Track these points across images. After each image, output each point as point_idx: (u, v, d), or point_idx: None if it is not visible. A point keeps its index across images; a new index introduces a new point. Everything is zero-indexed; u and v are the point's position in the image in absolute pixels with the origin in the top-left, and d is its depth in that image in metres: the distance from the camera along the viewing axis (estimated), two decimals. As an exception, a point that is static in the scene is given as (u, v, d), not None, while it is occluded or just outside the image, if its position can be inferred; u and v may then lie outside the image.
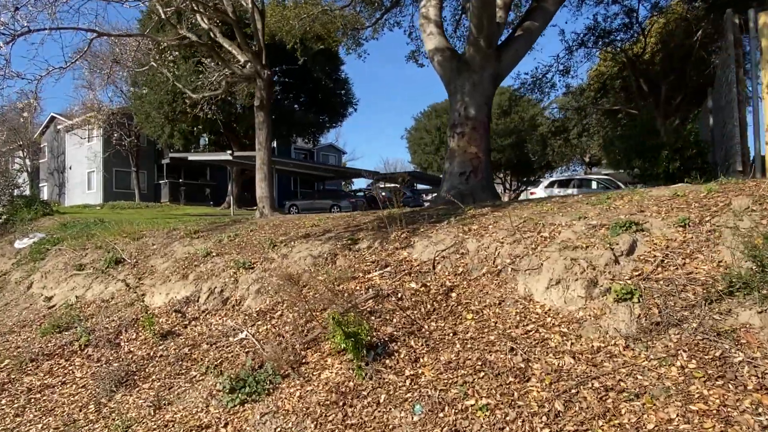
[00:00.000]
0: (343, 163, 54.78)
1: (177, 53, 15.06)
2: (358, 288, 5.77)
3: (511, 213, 6.79)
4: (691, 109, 16.20)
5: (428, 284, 5.40)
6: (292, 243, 7.96)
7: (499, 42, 11.26)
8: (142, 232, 11.55)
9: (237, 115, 30.37)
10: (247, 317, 6.39)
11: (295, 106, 32.17)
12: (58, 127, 38.58)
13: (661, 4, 19.44)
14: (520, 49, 11.15)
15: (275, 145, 32.24)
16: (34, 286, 11.30)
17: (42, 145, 41.56)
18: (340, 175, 38.17)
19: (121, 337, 7.07)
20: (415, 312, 4.93)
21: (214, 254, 8.35)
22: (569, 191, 19.87)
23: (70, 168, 37.59)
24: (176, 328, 6.81)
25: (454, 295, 5.13)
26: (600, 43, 19.96)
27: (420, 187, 38.60)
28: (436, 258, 5.77)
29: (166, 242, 10.62)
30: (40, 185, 40.47)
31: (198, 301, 7.30)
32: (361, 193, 32.85)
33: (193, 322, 6.88)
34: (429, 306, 5.00)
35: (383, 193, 32.86)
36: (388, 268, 5.92)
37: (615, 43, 20.17)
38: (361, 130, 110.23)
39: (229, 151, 25.33)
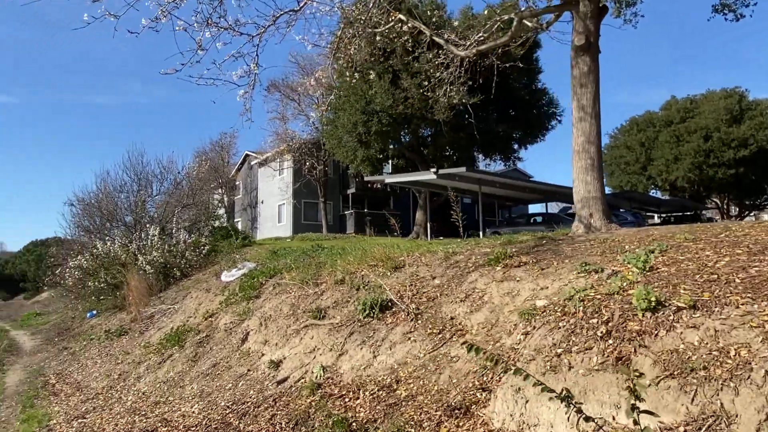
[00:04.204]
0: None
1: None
2: None
3: None
4: None
5: None
6: None
7: None
8: (399, 258, 7.36)
9: (423, 138, 27.01)
10: None
11: (481, 124, 27.18)
12: (251, 163, 39.47)
13: None
14: None
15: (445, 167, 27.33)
16: (250, 338, 7.72)
17: (237, 182, 43.21)
18: (556, 198, 31.88)
19: None
20: None
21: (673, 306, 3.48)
22: None
23: (262, 202, 37.84)
24: None
25: None
26: None
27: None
28: None
29: (453, 274, 6.21)
30: (235, 220, 41.75)
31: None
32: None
33: None
34: None
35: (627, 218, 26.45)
36: None
37: None
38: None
39: (433, 169, 21.41)
